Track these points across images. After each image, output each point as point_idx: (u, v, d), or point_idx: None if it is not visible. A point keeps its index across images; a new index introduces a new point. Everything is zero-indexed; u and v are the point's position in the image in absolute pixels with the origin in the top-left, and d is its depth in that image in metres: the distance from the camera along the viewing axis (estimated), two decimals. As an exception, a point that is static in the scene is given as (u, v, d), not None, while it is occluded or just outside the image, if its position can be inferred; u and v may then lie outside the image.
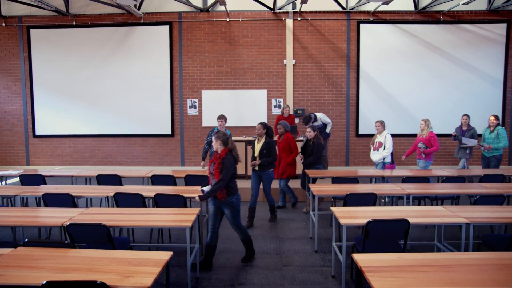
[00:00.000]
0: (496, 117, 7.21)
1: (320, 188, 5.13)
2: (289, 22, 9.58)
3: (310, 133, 6.39)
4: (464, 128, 7.52)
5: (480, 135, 7.55)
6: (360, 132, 9.68)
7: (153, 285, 3.98)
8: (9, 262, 2.72)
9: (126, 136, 9.94)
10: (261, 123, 5.78)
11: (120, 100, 9.89)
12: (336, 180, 5.63)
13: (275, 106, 9.75)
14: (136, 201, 4.59)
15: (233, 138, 7.27)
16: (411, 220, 3.53)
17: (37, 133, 10.08)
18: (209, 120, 9.52)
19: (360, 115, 9.71)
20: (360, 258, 2.76)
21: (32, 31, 9.85)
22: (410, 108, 9.63)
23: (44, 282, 2.30)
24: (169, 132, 9.90)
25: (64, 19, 9.73)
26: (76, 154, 10.06)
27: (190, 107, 9.85)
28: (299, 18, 9.57)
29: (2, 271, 2.57)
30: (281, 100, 9.72)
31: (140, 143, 9.95)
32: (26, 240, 3.07)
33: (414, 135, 9.73)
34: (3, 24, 9.80)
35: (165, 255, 2.82)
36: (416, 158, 7.04)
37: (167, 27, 9.71)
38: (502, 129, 7.10)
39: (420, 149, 6.82)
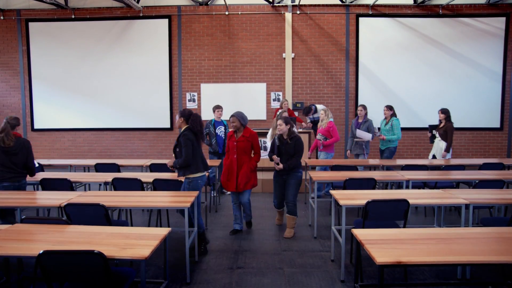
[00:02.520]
0: (389, 108, 6.88)
1: (319, 175, 5.12)
2: (288, 16, 9.57)
3: (281, 126, 4.85)
4: (360, 120, 6.98)
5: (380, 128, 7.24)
6: (359, 125, 9.66)
7: (152, 268, 3.98)
8: (6, 236, 2.70)
9: (124, 129, 9.91)
10: (180, 111, 4.35)
11: (119, 93, 9.85)
12: (335, 168, 5.62)
13: (274, 100, 9.74)
14: (135, 186, 4.58)
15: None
16: (410, 201, 3.52)
17: (35, 126, 10.04)
18: (208, 113, 9.44)
19: (359, 109, 9.70)
20: (360, 233, 2.75)
21: (31, 24, 9.82)
22: (409, 101, 9.62)
23: (41, 251, 2.28)
24: (168, 126, 9.87)
25: (63, 13, 9.71)
26: (75, 147, 10.03)
27: (189, 100, 9.83)
28: (298, 12, 9.56)
29: (-1, 243, 2.56)
30: (280, 93, 9.71)
31: (139, 136, 9.93)
32: (24, 217, 3.05)
33: (413, 129, 9.78)
34: (2, 17, 9.77)
35: (163, 231, 2.81)
36: (318, 150, 6.60)
37: (166, 21, 9.70)
38: (396, 120, 6.79)
39: (319, 141, 6.42)
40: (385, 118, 6.98)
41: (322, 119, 6.51)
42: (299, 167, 4.92)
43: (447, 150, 6.61)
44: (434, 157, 6.78)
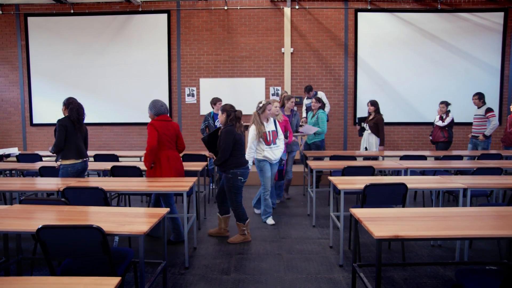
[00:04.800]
0: (318, 100, 6.51)
1: (318, 163, 5.13)
2: (287, 11, 9.58)
3: (219, 113, 4.36)
4: (288, 113, 6.18)
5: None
6: (358, 120, 9.67)
7: (151, 254, 3.98)
8: (5, 215, 2.70)
9: (123, 124, 9.90)
10: (63, 100, 4.51)
11: (118, 88, 9.85)
12: (333, 157, 5.62)
13: (273, 94, 9.73)
14: (134, 173, 4.59)
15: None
16: (409, 186, 3.53)
17: (34, 121, 10.03)
18: (207, 108, 9.48)
19: (358, 103, 9.70)
20: (358, 211, 2.75)
21: (30, 19, 9.82)
22: (407, 96, 9.64)
23: (40, 226, 2.28)
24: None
25: (62, 7, 9.70)
26: (74, 142, 10.01)
27: (188, 95, 9.83)
28: (297, 7, 9.57)
29: (-2, 221, 2.56)
30: (279, 88, 9.71)
31: (138, 131, 9.92)
32: (23, 198, 3.05)
33: (412, 124, 9.79)
34: (0, 12, 9.77)
35: (162, 210, 2.81)
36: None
37: (165, 16, 9.70)
38: (322, 112, 6.45)
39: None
40: (312, 110, 6.68)
41: (277, 113, 5.32)
42: (231, 167, 4.18)
43: (382, 143, 6.44)
44: (366, 149, 6.65)
